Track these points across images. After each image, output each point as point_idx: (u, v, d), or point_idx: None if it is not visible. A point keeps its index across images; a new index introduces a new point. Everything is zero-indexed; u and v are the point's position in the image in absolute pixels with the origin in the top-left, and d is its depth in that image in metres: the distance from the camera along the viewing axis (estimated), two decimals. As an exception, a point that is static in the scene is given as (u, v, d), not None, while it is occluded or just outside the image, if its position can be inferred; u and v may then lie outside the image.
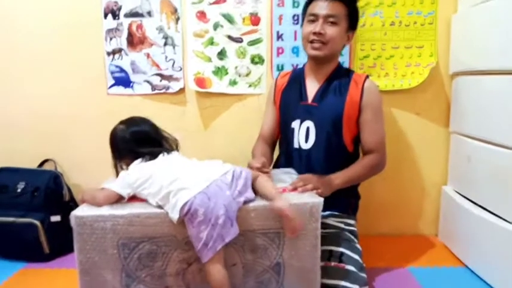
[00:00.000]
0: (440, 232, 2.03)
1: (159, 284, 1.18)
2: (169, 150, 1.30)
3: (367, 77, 1.56)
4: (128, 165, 1.27)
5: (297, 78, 1.64)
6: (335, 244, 1.38)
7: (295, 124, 1.58)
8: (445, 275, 1.69)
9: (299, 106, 1.57)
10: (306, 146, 1.55)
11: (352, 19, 1.54)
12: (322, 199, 1.19)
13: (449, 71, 1.94)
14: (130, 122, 1.37)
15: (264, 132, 1.71)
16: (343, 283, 1.29)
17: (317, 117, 1.54)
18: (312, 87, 1.58)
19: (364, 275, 1.35)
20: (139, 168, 1.22)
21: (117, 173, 1.30)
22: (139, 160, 1.25)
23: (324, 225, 1.39)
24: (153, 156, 1.25)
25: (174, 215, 1.10)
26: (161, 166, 1.22)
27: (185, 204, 1.08)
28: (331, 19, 1.47)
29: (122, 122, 1.38)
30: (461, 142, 1.82)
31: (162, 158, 1.25)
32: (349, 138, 1.54)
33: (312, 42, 1.50)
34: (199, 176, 1.16)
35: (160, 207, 1.15)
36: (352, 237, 1.47)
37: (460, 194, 1.84)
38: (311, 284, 1.22)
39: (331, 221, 1.49)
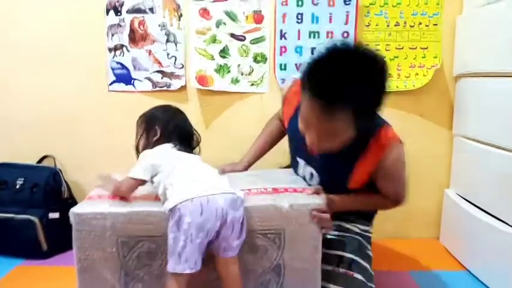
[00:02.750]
0: (441, 235, 2.02)
1: (158, 283, 1.16)
2: (193, 150, 1.32)
3: (391, 142, 1.21)
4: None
5: None
6: (347, 250, 1.32)
7: (300, 160, 1.41)
8: (446, 279, 1.68)
9: (303, 147, 1.23)
10: (311, 182, 1.37)
11: (366, 114, 1.11)
12: (324, 200, 1.18)
13: (453, 72, 1.93)
14: (174, 109, 1.37)
15: (280, 116, 1.53)
16: None
17: (319, 170, 1.33)
18: None
19: (371, 284, 1.31)
20: (165, 153, 1.22)
21: (138, 154, 1.29)
22: (168, 145, 1.25)
23: (338, 229, 1.36)
24: (183, 149, 1.26)
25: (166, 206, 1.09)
26: (184, 161, 1.21)
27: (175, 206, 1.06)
28: (325, 135, 1.11)
29: (164, 106, 1.39)
30: (465, 145, 1.81)
31: (187, 155, 1.25)
32: (358, 186, 1.30)
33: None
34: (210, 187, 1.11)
35: (165, 196, 1.13)
36: (366, 243, 1.40)
37: (462, 198, 1.83)
38: (311, 286, 1.21)
39: (346, 225, 1.41)
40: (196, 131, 1.37)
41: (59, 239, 1.79)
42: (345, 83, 1.01)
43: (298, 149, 1.38)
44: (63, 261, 1.80)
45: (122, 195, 1.18)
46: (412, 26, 1.90)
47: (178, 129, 1.30)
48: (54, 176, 1.93)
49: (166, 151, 1.23)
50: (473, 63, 1.75)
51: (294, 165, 1.47)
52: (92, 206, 1.16)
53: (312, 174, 1.37)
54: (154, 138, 1.27)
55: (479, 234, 1.65)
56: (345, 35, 1.90)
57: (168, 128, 1.29)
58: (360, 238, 1.40)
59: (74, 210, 1.13)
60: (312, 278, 1.20)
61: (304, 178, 1.40)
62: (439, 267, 1.77)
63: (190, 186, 1.10)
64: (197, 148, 1.36)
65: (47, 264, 1.79)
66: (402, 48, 1.92)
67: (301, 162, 1.41)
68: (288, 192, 1.24)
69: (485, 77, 1.65)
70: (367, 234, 1.45)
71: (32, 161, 2.02)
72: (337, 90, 1.02)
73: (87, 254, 1.13)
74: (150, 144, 1.27)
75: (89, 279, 1.15)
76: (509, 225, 1.48)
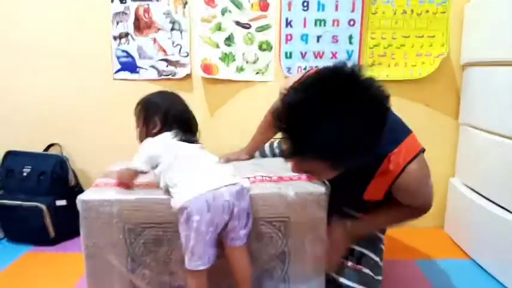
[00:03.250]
0: (446, 224, 2.02)
1: (164, 269, 1.18)
2: (194, 136, 1.29)
3: (402, 168, 1.10)
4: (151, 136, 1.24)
5: None
6: (358, 243, 1.30)
7: None
8: (451, 267, 1.68)
9: None
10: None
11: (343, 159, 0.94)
12: (329, 187, 1.18)
13: (460, 61, 1.91)
14: (173, 96, 1.33)
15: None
16: (355, 285, 1.26)
17: (332, 182, 1.22)
18: None
19: (379, 278, 1.31)
20: (165, 143, 1.20)
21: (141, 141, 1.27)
22: (169, 134, 1.22)
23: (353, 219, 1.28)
24: (184, 139, 1.23)
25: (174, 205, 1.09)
26: (185, 151, 1.19)
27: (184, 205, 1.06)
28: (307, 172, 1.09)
29: (162, 93, 1.34)
30: (471, 134, 1.80)
31: (188, 144, 1.22)
32: (374, 198, 1.20)
33: None
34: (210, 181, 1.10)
35: (167, 190, 1.14)
36: (380, 234, 1.37)
37: (467, 187, 1.82)
38: (315, 274, 1.22)
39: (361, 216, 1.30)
40: (194, 116, 1.32)
41: (66, 226, 1.82)
42: (311, 131, 0.87)
43: None
44: (71, 247, 1.82)
45: (124, 184, 1.20)
46: (419, 14, 1.88)
47: (178, 118, 1.26)
48: (61, 164, 1.94)
49: (166, 141, 1.21)
50: (480, 52, 1.73)
51: None
52: (98, 193, 1.17)
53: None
54: (154, 130, 1.25)
55: (484, 223, 1.65)
56: (351, 22, 1.89)
57: (168, 117, 1.25)
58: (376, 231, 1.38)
59: (81, 197, 1.14)
60: (317, 265, 1.21)
61: None
62: (444, 256, 1.77)
63: (194, 182, 1.09)
64: (198, 134, 1.32)
65: (55, 251, 1.81)
66: (409, 37, 1.90)
67: None
68: (293, 180, 1.24)
69: (493, 66, 1.63)
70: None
71: (38, 149, 2.03)
72: (300, 139, 0.90)
73: (94, 240, 1.15)
74: (150, 135, 1.25)
75: (96, 265, 1.17)
76: (514, 214, 1.48)
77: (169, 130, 1.23)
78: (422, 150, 1.15)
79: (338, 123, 0.86)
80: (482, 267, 1.66)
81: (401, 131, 1.16)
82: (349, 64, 0.92)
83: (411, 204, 1.19)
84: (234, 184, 1.10)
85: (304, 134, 0.88)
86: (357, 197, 1.20)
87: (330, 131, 0.86)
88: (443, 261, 1.73)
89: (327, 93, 0.88)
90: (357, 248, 1.31)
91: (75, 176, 2.01)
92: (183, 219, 1.06)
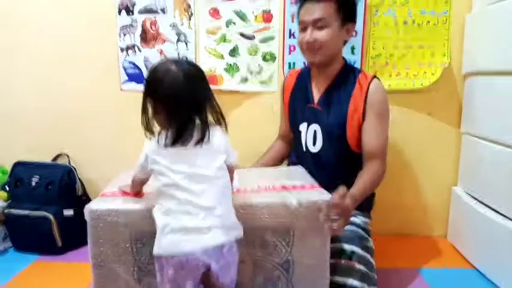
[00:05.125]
0: (449, 233, 2.03)
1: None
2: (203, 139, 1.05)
3: (374, 77, 1.47)
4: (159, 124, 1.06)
5: (304, 78, 1.61)
6: (347, 242, 1.36)
7: (302, 127, 1.56)
8: (454, 276, 1.69)
9: (306, 108, 1.55)
10: (314, 150, 1.53)
11: (346, 12, 1.43)
12: (331, 196, 1.20)
13: (462, 71, 1.93)
14: (196, 68, 1.08)
15: (282, 131, 1.74)
16: (351, 281, 1.29)
17: (322, 121, 1.50)
18: (317, 89, 1.54)
19: (374, 274, 1.35)
20: (150, 155, 1.04)
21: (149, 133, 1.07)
22: (153, 142, 1.04)
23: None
24: (185, 139, 1.02)
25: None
26: (169, 177, 1.02)
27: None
28: (319, 23, 1.41)
29: (163, 75, 1.04)
30: (473, 143, 1.81)
31: (181, 157, 1.03)
32: (354, 143, 1.48)
33: (306, 50, 1.47)
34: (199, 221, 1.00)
35: None
36: (366, 235, 1.44)
37: (470, 195, 1.83)
38: (320, 282, 1.23)
39: None
40: (210, 92, 1.09)
41: (73, 235, 1.84)
42: None
43: (301, 113, 1.56)
44: (77, 257, 1.84)
45: (132, 193, 1.20)
46: (421, 24, 1.90)
47: (180, 114, 1.03)
48: (69, 174, 1.97)
49: (153, 152, 1.04)
50: (482, 62, 1.74)
51: (297, 140, 1.59)
52: (105, 202, 1.19)
53: (315, 134, 1.51)
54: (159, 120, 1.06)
55: (487, 232, 1.65)
56: (354, 33, 1.91)
57: (170, 114, 1.03)
58: (360, 230, 1.43)
59: (88, 206, 1.16)
60: (321, 273, 1.22)
61: (307, 149, 1.54)
62: (447, 265, 1.78)
63: (171, 232, 1.00)
64: (216, 117, 1.10)
65: (62, 260, 1.83)
66: (411, 47, 1.92)
67: (304, 127, 1.55)
68: (296, 189, 1.26)
69: (494, 75, 1.65)
70: (366, 226, 1.49)
71: (46, 159, 2.07)
72: None
73: (102, 249, 1.16)
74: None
75: (104, 274, 1.18)
76: (517, 223, 1.49)
77: (169, 127, 1.03)
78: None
79: None
80: (485, 276, 1.66)
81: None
82: None
83: (371, 141, 1.42)
84: (214, 243, 1.00)
85: None
86: (343, 137, 1.46)
87: None
88: (446, 270, 1.74)
89: None
90: (346, 246, 1.34)
91: (83, 186, 2.03)
92: (157, 264, 1.04)
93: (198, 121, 1.05)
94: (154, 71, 1.06)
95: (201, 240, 0.99)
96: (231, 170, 1.12)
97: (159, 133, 1.05)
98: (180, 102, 1.02)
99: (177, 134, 1.02)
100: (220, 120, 1.12)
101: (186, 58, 1.10)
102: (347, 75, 1.50)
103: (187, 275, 1.01)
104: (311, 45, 1.43)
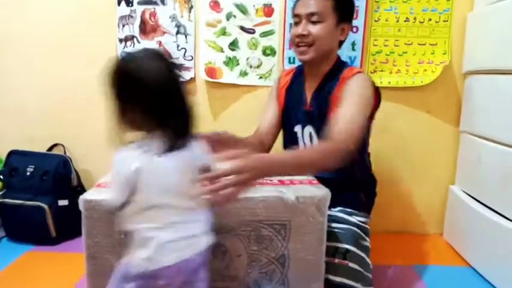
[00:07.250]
0: (445, 231, 2.03)
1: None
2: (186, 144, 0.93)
3: (359, 72, 1.39)
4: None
5: (298, 78, 1.55)
6: (341, 240, 1.33)
7: (297, 129, 1.52)
8: (450, 274, 1.69)
9: (300, 110, 1.49)
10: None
11: (343, 11, 1.39)
12: (329, 191, 1.19)
13: (462, 69, 1.92)
14: (172, 63, 0.94)
15: (262, 129, 1.59)
16: (345, 281, 1.27)
17: (314, 123, 1.45)
18: (309, 90, 1.48)
19: (369, 274, 1.33)
20: (125, 164, 0.93)
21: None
22: (132, 149, 0.93)
23: (334, 220, 1.36)
24: (168, 146, 0.90)
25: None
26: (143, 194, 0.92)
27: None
28: (314, 18, 1.35)
29: (142, 71, 0.91)
30: (471, 142, 1.81)
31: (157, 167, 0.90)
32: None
33: (298, 45, 1.40)
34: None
35: None
36: (362, 234, 1.41)
37: (467, 194, 1.83)
38: (315, 278, 1.23)
39: (341, 217, 1.41)
40: (185, 96, 0.95)
41: (67, 226, 1.83)
42: None
43: (295, 115, 1.50)
44: (71, 247, 1.83)
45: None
46: (422, 22, 1.90)
47: (170, 109, 0.91)
48: (64, 164, 1.96)
49: (128, 160, 0.94)
50: (482, 60, 1.74)
51: (292, 141, 1.53)
52: (100, 193, 1.17)
53: (311, 136, 1.47)
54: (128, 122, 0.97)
55: (483, 230, 1.66)
56: (354, 29, 1.91)
57: (162, 113, 0.90)
58: (356, 229, 1.40)
59: (83, 197, 1.14)
60: (316, 269, 1.22)
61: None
62: (442, 262, 1.78)
63: (140, 243, 0.94)
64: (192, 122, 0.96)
65: (56, 250, 1.82)
66: (411, 44, 1.92)
67: (299, 129, 1.50)
68: (294, 184, 1.25)
69: (495, 74, 1.64)
70: (365, 225, 1.45)
71: (42, 149, 2.05)
72: None
73: (96, 240, 1.15)
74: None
75: (97, 265, 1.17)
76: (513, 222, 1.49)
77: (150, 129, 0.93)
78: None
79: None
80: (480, 275, 1.66)
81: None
82: None
83: (339, 121, 1.25)
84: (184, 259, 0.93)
85: None
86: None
87: None
88: (442, 267, 1.74)
89: None
90: (341, 245, 1.32)
91: (78, 176, 2.02)
92: (118, 275, 0.97)
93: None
94: (126, 64, 0.92)
95: (172, 255, 0.92)
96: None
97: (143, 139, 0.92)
98: (169, 96, 0.89)
99: (176, 136, 0.90)
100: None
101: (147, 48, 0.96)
102: (335, 72, 1.43)
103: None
104: (304, 39, 1.37)
